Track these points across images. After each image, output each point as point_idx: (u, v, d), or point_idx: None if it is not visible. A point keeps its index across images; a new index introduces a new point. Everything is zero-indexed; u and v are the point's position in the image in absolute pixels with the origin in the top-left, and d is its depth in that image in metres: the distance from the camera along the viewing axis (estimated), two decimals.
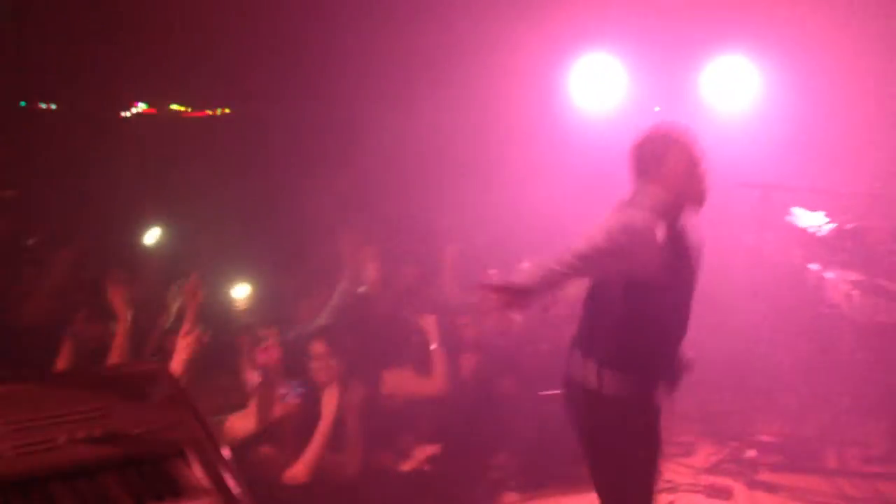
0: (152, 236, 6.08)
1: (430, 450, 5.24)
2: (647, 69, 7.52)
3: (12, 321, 4.96)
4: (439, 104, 7.25)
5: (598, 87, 7.66)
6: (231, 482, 2.01)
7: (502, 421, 5.56)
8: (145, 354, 4.53)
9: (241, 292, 5.28)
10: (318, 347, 4.82)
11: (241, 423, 4.25)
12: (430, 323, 5.49)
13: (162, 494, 1.94)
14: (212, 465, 2.05)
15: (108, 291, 4.51)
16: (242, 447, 4.20)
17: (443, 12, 7.01)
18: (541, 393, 5.62)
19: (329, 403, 4.50)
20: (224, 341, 5.12)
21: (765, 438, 6.10)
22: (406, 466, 5.09)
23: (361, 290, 5.97)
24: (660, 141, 3.61)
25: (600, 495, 3.71)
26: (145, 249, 6.11)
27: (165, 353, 4.39)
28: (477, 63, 7.29)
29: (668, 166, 3.54)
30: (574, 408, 3.68)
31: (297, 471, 4.30)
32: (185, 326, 4.26)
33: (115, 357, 4.34)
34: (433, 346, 5.44)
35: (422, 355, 5.51)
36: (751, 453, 5.89)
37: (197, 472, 2.03)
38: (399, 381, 5.48)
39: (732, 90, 7.45)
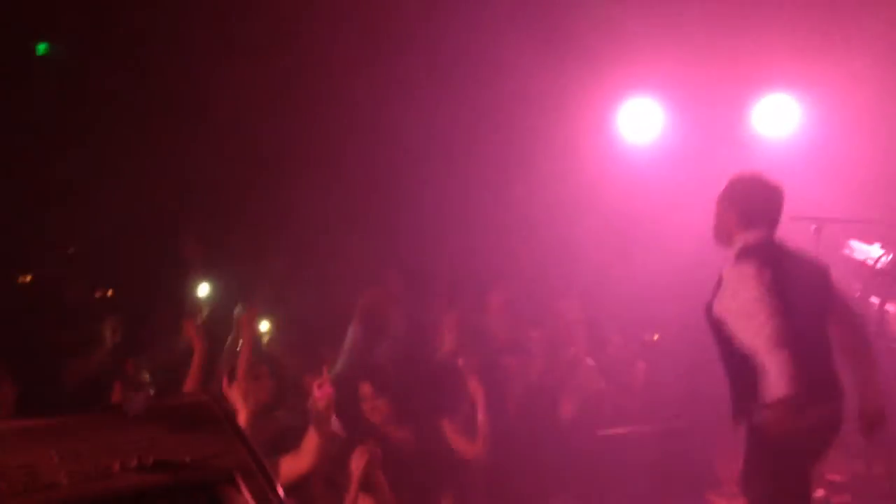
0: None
1: None
2: (694, 112, 7.57)
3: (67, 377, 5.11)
4: (502, 147, 7.40)
5: (643, 129, 7.79)
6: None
7: (552, 467, 5.49)
8: (214, 384, 4.62)
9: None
10: (365, 389, 4.84)
11: (294, 462, 4.25)
12: (476, 386, 5.41)
13: None
14: (261, 492, 2.08)
15: (184, 324, 4.71)
16: (295, 488, 4.20)
17: (511, 62, 7.16)
18: (601, 433, 5.58)
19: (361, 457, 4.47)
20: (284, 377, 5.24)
21: (833, 477, 5.91)
22: None
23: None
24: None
25: None
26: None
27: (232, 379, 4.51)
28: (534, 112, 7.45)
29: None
30: None
31: None
32: (242, 366, 4.34)
33: (189, 386, 4.50)
34: (480, 414, 5.37)
35: (468, 414, 5.47)
36: (820, 493, 5.72)
37: (247, 499, 2.06)
38: (445, 434, 5.44)
39: (778, 124, 7.47)
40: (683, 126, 7.63)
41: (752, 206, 4.05)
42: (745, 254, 3.93)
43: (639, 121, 7.80)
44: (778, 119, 7.50)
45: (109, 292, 6.81)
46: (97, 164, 6.89)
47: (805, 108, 7.40)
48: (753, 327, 3.65)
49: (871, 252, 6.04)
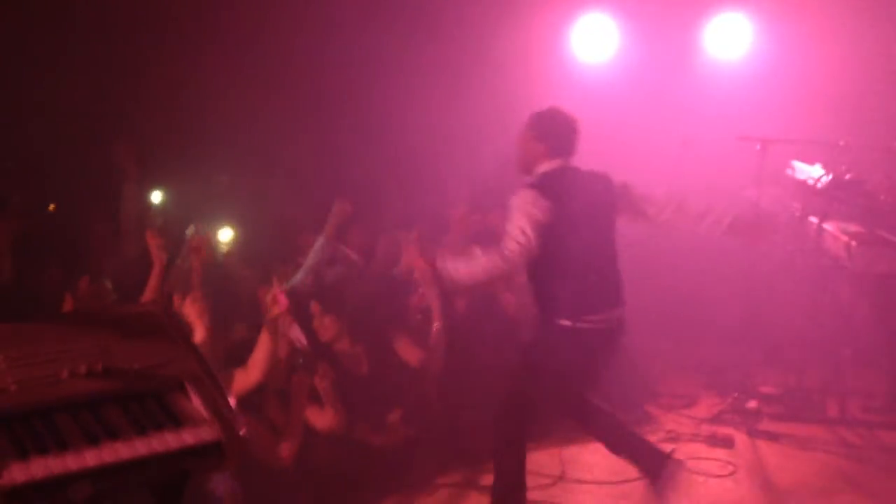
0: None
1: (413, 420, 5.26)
2: (645, 28, 7.55)
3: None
4: (454, 64, 7.35)
5: (596, 44, 7.76)
6: (229, 413, 2.06)
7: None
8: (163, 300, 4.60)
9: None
10: (314, 307, 4.87)
11: (246, 374, 4.28)
12: (432, 294, 5.45)
13: (163, 424, 1.99)
14: (210, 398, 2.10)
15: (147, 237, 4.68)
16: (248, 399, 4.25)
17: None
18: None
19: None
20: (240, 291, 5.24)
21: (766, 390, 6.14)
22: (385, 439, 5.09)
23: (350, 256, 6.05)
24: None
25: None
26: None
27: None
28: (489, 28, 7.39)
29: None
30: None
31: (284, 451, 4.33)
32: (196, 284, 4.33)
33: (147, 297, 4.51)
34: (436, 325, 5.43)
35: (422, 328, 5.53)
36: (752, 404, 5.95)
37: (196, 404, 2.08)
38: (396, 349, 5.50)
39: (729, 46, 7.53)
40: (635, 44, 7.61)
41: (558, 138, 4.29)
42: (537, 182, 4.22)
43: (592, 38, 7.75)
44: (730, 39, 7.52)
45: (51, 207, 6.66)
46: (29, 72, 6.66)
47: (756, 27, 7.42)
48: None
49: (811, 172, 6.15)
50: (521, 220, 4.03)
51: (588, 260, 4.16)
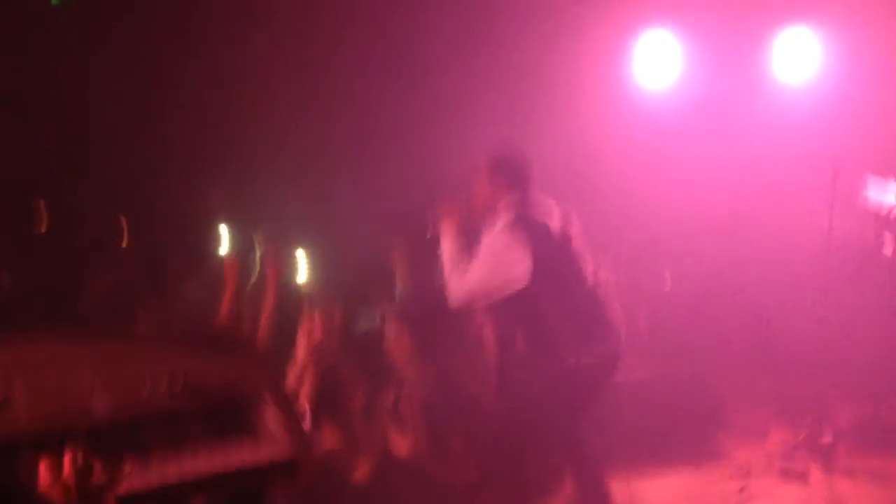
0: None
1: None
2: (709, 45, 7.31)
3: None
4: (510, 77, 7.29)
5: (658, 64, 7.36)
6: (302, 426, 2.07)
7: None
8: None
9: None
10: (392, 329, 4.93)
11: None
12: (489, 336, 5.46)
13: (241, 437, 2.02)
14: (285, 412, 2.12)
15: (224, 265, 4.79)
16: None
17: None
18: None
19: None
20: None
21: (842, 421, 5.97)
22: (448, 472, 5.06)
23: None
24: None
25: None
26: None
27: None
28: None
29: None
30: None
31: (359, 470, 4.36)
32: (266, 311, 4.40)
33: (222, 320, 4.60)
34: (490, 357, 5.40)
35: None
36: (827, 436, 5.78)
37: (271, 418, 2.10)
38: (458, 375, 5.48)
39: (799, 65, 7.08)
40: (699, 62, 7.30)
41: (517, 174, 4.32)
42: (511, 223, 4.17)
43: (654, 58, 7.34)
44: (798, 56, 7.06)
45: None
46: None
47: (827, 44, 7.05)
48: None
49: (885, 200, 6.01)
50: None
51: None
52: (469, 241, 4.24)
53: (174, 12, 6.87)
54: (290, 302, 4.93)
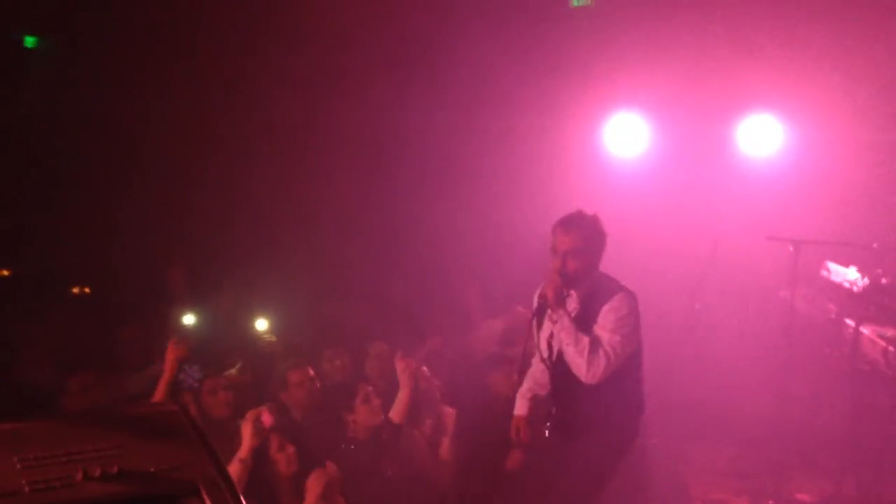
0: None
1: None
2: (678, 127, 7.60)
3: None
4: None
5: (628, 142, 7.79)
6: None
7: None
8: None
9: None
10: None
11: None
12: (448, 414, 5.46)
13: None
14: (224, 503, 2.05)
15: (167, 349, 4.77)
16: None
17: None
18: None
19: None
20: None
21: (801, 497, 5.95)
22: None
23: None
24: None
25: None
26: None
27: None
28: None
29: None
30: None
31: None
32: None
33: (157, 398, 4.55)
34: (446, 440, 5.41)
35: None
36: None
37: None
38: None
39: (760, 146, 7.47)
40: (668, 142, 7.64)
41: (605, 239, 4.26)
42: (626, 291, 4.16)
43: (625, 135, 7.79)
44: (761, 138, 7.47)
45: (86, 289, 6.79)
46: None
47: (788, 129, 7.40)
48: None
49: (847, 275, 6.08)
50: (623, 331, 4.03)
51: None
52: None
53: None
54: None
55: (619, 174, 7.68)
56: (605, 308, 4.03)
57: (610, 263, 4.30)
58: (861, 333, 5.87)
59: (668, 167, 7.51)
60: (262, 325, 6.29)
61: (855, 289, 5.98)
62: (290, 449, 4.49)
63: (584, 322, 4.05)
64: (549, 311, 4.12)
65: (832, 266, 6.29)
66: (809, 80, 6.85)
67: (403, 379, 5.16)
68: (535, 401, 4.51)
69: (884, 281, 5.85)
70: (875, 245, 5.97)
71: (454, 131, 7.61)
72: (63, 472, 2.01)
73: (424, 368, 5.55)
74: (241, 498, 2.16)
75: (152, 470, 2.10)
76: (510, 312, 6.70)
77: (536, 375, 4.47)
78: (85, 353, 5.39)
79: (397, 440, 5.10)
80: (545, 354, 4.26)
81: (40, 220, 7.02)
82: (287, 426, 4.83)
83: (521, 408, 4.52)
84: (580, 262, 4.10)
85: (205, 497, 2.07)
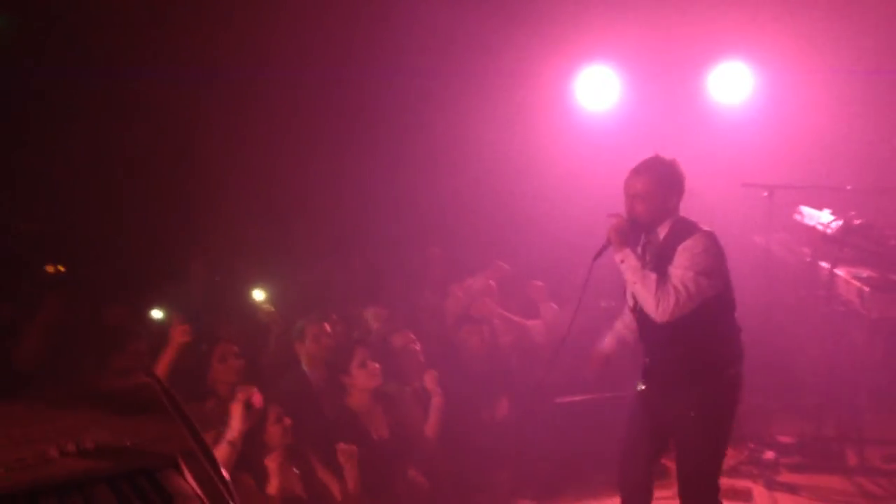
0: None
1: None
2: (649, 78, 7.58)
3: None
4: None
5: (599, 94, 7.80)
6: (225, 493, 1.99)
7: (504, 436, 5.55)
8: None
9: None
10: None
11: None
12: (431, 379, 5.41)
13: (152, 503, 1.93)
14: (205, 476, 2.04)
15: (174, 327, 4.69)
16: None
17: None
18: (559, 400, 5.62)
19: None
20: None
21: (783, 439, 6.03)
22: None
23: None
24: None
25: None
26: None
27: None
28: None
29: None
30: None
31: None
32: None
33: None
34: (435, 400, 5.37)
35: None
36: (769, 455, 5.83)
37: (190, 483, 2.02)
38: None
39: (731, 93, 7.51)
40: (639, 93, 7.61)
41: (682, 184, 4.15)
42: (705, 231, 4.03)
43: (595, 88, 7.78)
44: (732, 86, 7.51)
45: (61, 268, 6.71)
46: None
47: (758, 76, 7.40)
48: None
49: (820, 217, 6.11)
50: (696, 268, 3.88)
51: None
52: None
53: None
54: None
55: (592, 128, 7.67)
56: (680, 248, 3.94)
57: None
58: (836, 275, 5.92)
59: (640, 118, 7.49)
60: (259, 295, 6.26)
61: (829, 231, 6.00)
62: (287, 421, 4.42)
63: (662, 268, 3.96)
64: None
65: (806, 210, 6.32)
66: (779, 25, 6.82)
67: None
68: (620, 342, 4.45)
69: (857, 222, 5.87)
70: (848, 187, 6.00)
71: (421, 98, 7.56)
72: (38, 450, 2.00)
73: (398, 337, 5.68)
74: (222, 469, 2.16)
75: (129, 444, 2.08)
76: (491, 267, 6.72)
77: (626, 318, 4.40)
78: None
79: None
80: (630, 303, 4.21)
81: None
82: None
83: (602, 343, 4.47)
84: (648, 205, 4.03)
85: (184, 469, 2.05)
